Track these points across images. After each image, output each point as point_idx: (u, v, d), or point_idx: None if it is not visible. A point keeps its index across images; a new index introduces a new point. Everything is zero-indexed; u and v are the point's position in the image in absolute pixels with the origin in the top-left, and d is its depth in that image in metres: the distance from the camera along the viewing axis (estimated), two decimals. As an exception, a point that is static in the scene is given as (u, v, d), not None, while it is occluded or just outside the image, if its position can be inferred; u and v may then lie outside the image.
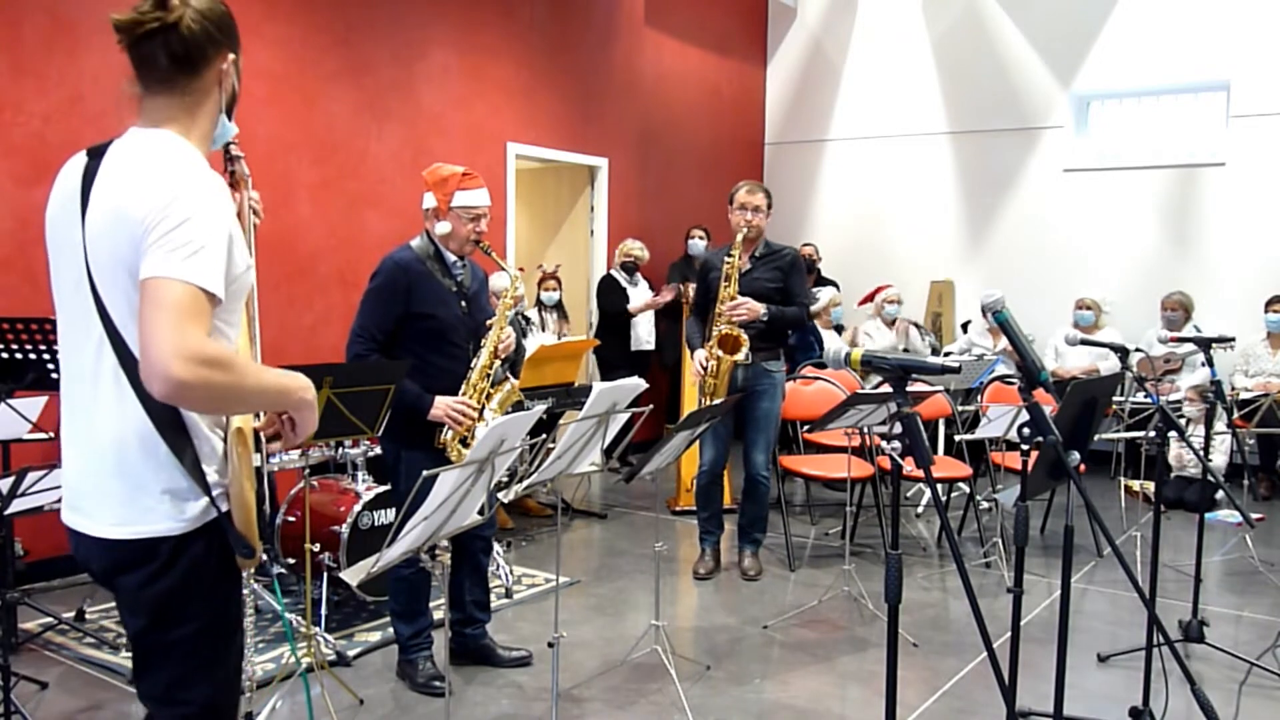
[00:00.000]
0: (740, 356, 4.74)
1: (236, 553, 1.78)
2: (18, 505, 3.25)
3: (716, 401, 4.64)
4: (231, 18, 1.79)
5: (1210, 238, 7.91)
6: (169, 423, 1.70)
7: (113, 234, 1.66)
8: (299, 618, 4.03)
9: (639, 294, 7.49)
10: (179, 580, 1.74)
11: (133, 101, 1.76)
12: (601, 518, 6.26)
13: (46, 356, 3.83)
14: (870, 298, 7.90)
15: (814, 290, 7.81)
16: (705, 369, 4.81)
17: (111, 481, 1.72)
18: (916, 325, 7.89)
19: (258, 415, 1.89)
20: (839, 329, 7.80)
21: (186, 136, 1.75)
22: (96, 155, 1.74)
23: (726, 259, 4.81)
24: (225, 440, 1.79)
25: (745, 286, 4.83)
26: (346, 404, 3.09)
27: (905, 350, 7.70)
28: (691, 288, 5.88)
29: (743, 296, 4.75)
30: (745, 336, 4.73)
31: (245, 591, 2.61)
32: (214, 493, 1.75)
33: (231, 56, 1.79)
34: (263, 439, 1.91)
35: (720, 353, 4.77)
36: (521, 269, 7.16)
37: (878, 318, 7.70)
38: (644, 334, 7.58)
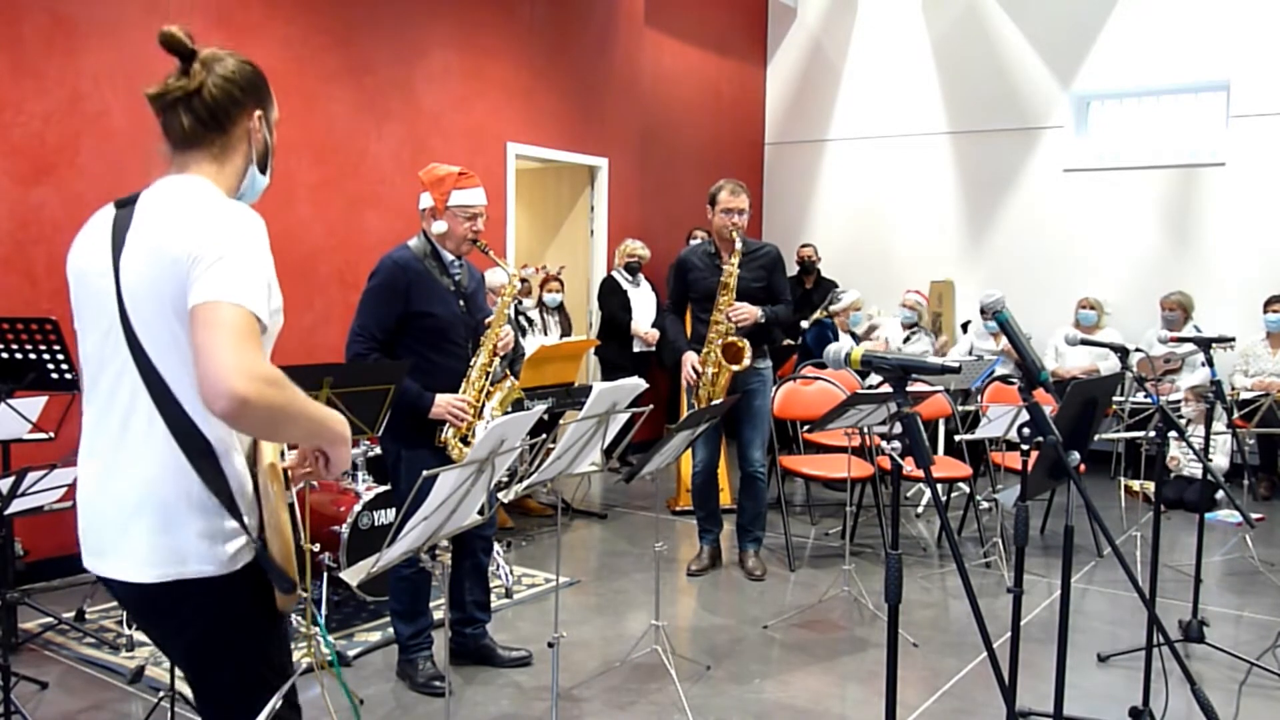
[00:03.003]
0: (742, 365, 4.74)
1: (277, 588, 1.74)
2: (18, 505, 3.26)
3: (716, 402, 4.64)
4: (260, 77, 1.82)
5: (1210, 238, 7.91)
6: (204, 461, 1.68)
7: (154, 272, 1.66)
8: (299, 618, 4.03)
9: (641, 295, 7.48)
10: (211, 625, 1.72)
11: (164, 160, 1.80)
12: (601, 518, 6.26)
13: (46, 357, 3.83)
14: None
15: (837, 291, 7.74)
16: (699, 375, 4.80)
17: (140, 523, 1.68)
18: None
19: (282, 454, 1.87)
20: (854, 335, 7.66)
21: (214, 183, 1.77)
22: (125, 205, 1.76)
23: (725, 266, 4.77)
24: (255, 478, 1.77)
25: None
26: (347, 404, 3.09)
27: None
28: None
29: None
30: (748, 345, 4.73)
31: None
32: (249, 534, 1.71)
33: (259, 113, 1.81)
34: (290, 476, 1.88)
35: (725, 362, 4.75)
36: (536, 268, 7.15)
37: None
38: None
